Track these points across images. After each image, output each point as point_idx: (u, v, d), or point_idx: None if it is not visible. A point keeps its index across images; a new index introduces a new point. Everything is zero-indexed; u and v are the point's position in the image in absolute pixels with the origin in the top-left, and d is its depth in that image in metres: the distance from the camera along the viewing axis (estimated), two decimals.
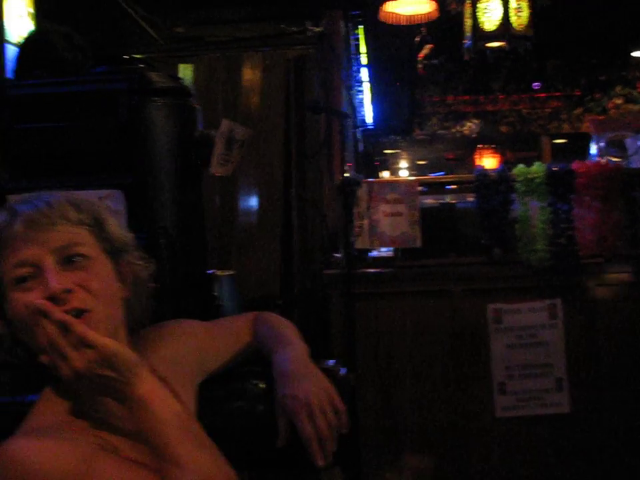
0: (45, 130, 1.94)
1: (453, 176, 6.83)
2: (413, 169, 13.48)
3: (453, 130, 8.95)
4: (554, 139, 9.06)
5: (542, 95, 8.80)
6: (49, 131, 1.93)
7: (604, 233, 3.95)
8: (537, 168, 3.97)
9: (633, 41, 8.12)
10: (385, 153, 10.82)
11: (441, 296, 4.03)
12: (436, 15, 4.74)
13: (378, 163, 10.22)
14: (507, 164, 7.35)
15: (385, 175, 11.85)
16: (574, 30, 7.57)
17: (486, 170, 4.07)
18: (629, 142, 4.60)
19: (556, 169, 3.96)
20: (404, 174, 13.52)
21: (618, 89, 8.61)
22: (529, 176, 3.94)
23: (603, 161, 4.15)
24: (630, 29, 7.67)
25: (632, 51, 8.24)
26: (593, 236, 3.96)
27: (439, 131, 8.91)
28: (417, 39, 5.87)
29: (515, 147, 9.72)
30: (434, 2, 4.61)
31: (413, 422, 3.99)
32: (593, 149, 5.09)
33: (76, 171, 1.89)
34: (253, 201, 5.10)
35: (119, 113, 1.88)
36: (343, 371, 1.64)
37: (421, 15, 4.79)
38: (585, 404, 3.95)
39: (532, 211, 3.96)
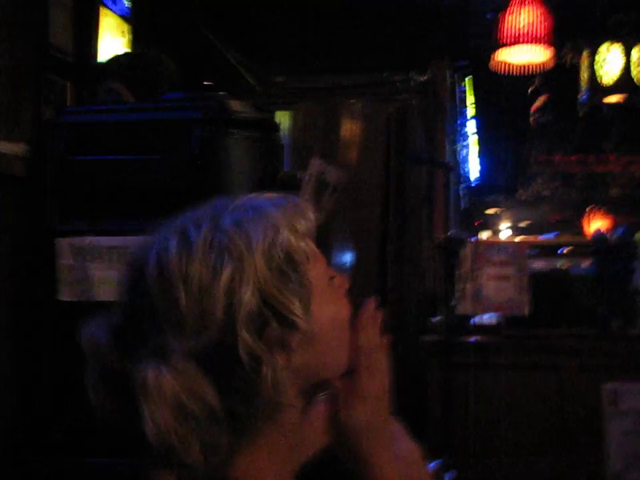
0: (103, 163, 1.67)
1: (568, 237, 6.38)
2: (515, 230, 12.95)
3: (560, 191, 8.47)
4: None
5: None
6: (108, 164, 1.66)
7: None
8: None
9: None
10: (486, 213, 10.38)
11: (550, 371, 3.61)
12: (551, 64, 4.39)
13: (478, 223, 9.79)
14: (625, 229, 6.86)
15: (485, 236, 11.37)
16: None
17: (605, 233, 3.67)
18: None
19: None
20: (505, 235, 13.00)
21: None
22: None
23: None
24: None
25: None
26: None
27: (544, 192, 8.44)
28: (530, 89, 5.52)
29: (626, 211, 9.16)
30: (550, 50, 4.26)
31: None
32: None
33: (138, 212, 1.59)
34: (347, 257, 4.79)
35: (191, 144, 1.60)
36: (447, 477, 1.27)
37: (535, 63, 4.44)
38: None
39: None
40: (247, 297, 0.97)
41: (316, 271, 1.08)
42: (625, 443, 3.53)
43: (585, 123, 7.75)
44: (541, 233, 9.68)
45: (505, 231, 12.66)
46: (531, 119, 5.84)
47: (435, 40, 5.16)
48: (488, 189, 7.99)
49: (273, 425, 1.05)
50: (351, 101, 5.30)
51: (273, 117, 1.85)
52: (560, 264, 4.11)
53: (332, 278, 1.12)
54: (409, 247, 4.46)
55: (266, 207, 1.08)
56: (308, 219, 1.08)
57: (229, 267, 0.99)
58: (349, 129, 5.13)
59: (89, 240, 1.55)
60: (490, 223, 11.47)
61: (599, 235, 3.64)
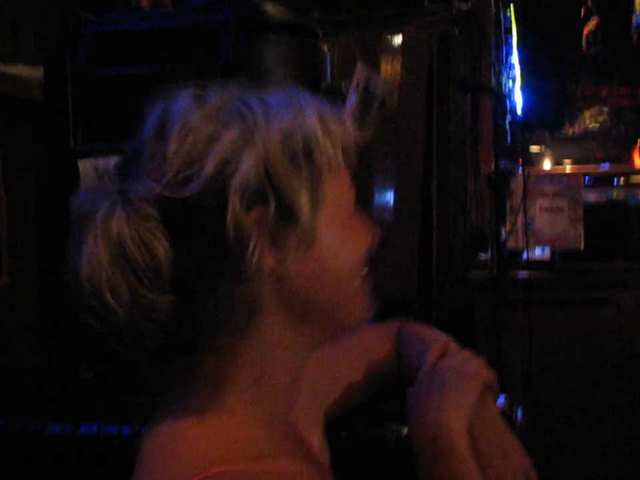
0: (127, 76, 1.52)
1: (625, 167, 6.14)
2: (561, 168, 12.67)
3: (608, 126, 8.19)
4: None
5: None
6: (132, 77, 1.51)
7: None
8: None
9: None
10: (529, 151, 10.14)
11: (608, 307, 3.44)
12: None
13: (528, 160, 9.56)
14: None
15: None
16: None
17: None
18: None
19: None
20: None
21: None
22: None
23: None
24: None
25: None
26: None
27: (591, 127, 8.17)
28: (583, 11, 5.25)
29: None
30: None
31: (570, 461, 3.41)
32: None
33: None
34: (389, 195, 4.62)
35: (223, 52, 1.44)
36: (519, 414, 1.13)
37: None
38: None
39: None
40: (248, 163, 0.85)
41: (335, 187, 0.94)
42: None
43: (636, 52, 7.45)
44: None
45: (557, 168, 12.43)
46: (583, 43, 5.56)
47: None
48: (532, 124, 7.75)
49: (242, 340, 0.91)
50: (390, 32, 5.09)
51: (312, 23, 1.67)
52: (615, 195, 3.91)
53: (351, 213, 0.98)
54: (454, 182, 4.26)
55: (300, 96, 0.96)
56: (344, 127, 0.95)
57: (236, 128, 0.86)
58: (389, 62, 4.92)
59: (115, 161, 1.41)
60: (534, 161, 11.24)
61: None
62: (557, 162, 11.63)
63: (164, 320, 0.85)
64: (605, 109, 8.25)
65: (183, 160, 0.84)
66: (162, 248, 0.83)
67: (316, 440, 1.05)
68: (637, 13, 4.78)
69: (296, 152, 0.88)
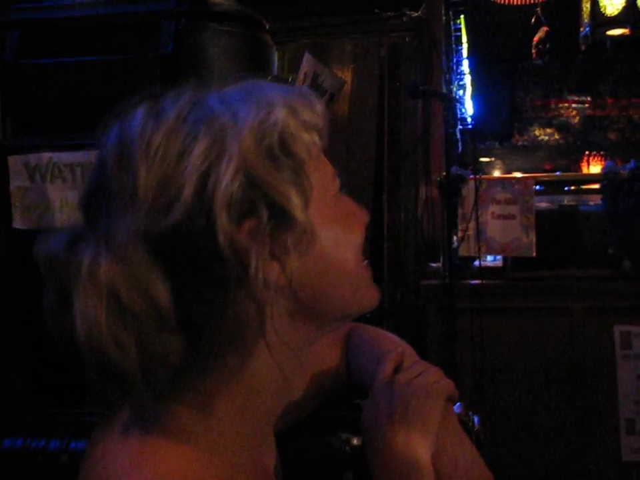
0: (59, 66, 1.42)
1: (575, 174, 6.18)
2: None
3: (557, 136, 8.26)
4: None
5: None
6: (64, 68, 1.41)
7: None
8: None
9: None
10: (479, 160, 10.21)
11: (559, 314, 3.42)
12: None
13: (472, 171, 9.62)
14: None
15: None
16: None
17: (616, 167, 3.45)
18: None
19: None
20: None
21: None
22: None
23: None
24: None
25: None
26: None
27: (540, 138, 8.23)
28: (533, 20, 5.26)
29: (624, 156, 8.98)
30: None
31: (521, 467, 3.38)
32: None
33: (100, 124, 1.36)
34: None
35: (161, 42, 1.35)
36: (476, 422, 1.07)
37: None
38: None
39: None
40: (227, 174, 0.76)
41: (319, 174, 0.88)
42: (638, 387, 3.36)
43: (584, 64, 7.53)
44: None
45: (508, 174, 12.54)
46: (533, 51, 5.58)
47: None
48: (482, 134, 7.77)
49: (247, 357, 0.83)
50: (341, 40, 5.06)
51: (257, 13, 1.59)
52: (567, 201, 3.89)
53: (339, 197, 0.92)
54: (405, 191, 4.25)
55: (263, 86, 0.88)
56: (315, 111, 0.89)
57: (205, 139, 0.78)
58: (340, 68, 4.89)
59: (47, 156, 1.32)
60: (484, 170, 11.31)
61: (610, 169, 3.43)
62: (506, 172, 11.73)
63: (177, 360, 0.77)
64: (554, 120, 8.32)
65: (157, 186, 0.76)
66: (160, 286, 0.75)
67: (271, 462, 0.97)
68: (585, 22, 4.78)
69: (273, 149, 0.81)
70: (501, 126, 7.99)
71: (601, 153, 8.11)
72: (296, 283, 0.84)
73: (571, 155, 8.53)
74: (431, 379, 1.04)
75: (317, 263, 0.86)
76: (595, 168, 8.18)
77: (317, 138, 0.88)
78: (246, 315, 0.80)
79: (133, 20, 1.42)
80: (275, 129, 0.82)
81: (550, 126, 8.24)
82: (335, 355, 1.17)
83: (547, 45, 5.48)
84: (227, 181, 0.76)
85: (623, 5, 4.66)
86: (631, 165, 3.43)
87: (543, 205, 3.73)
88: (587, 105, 8.20)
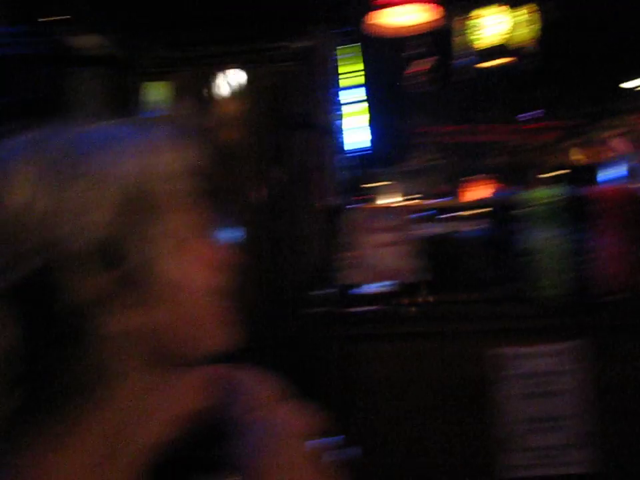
0: None
1: (455, 202, 6.35)
2: (405, 201, 12.99)
3: (444, 161, 8.50)
4: (549, 172, 8.62)
5: (537, 125, 8.38)
6: None
7: (626, 266, 3.47)
8: (552, 193, 3.48)
9: (630, 72, 7.77)
10: (371, 184, 10.37)
11: (441, 338, 3.52)
12: (439, 23, 4.25)
13: (362, 196, 9.76)
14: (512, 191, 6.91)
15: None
16: (571, 57, 7.19)
17: (491, 195, 3.59)
18: None
19: (572, 193, 3.47)
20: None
21: (613, 120, 8.21)
22: (542, 202, 3.46)
23: (623, 185, 3.68)
24: (629, 59, 7.33)
25: (627, 82, 7.89)
26: (614, 270, 3.47)
27: (426, 163, 8.45)
28: (412, 53, 5.41)
29: (508, 180, 9.29)
30: (437, 8, 4.10)
31: None
32: (606, 175, 4.61)
33: None
34: (224, 232, 4.58)
35: (28, 85, 1.36)
36: (354, 452, 1.10)
37: (419, 25, 4.30)
38: (610, 462, 3.42)
39: (543, 241, 3.48)
40: (76, 228, 0.76)
41: (180, 222, 0.88)
42: (516, 407, 3.48)
43: (465, 93, 7.77)
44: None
45: (390, 202, 12.73)
46: (414, 83, 5.74)
47: (318, 5, 4.99)
48: (374, 159, 7.92)
49: (98, 403, 0.83)
50: (228, 69, 5.09)
51: (128, 54, 1.59)
52: (446, 228, 4.01)
53: (205, 239, 0.94)
54: (290, 219, 4.30)
55: (116, 131, 0.87)
56: (177, 156, 0.88)
57: (49, 194, 0.77)
58: (227, 98, 4.92)
59: None
60: (376, 195, 11.50)
61: (488, 196, 3.56)
62: (396, 196, 11.96)
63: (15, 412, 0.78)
64: (441, 145, 8.55)
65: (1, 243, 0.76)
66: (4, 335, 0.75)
67: None
68: (465, 53, 4.96)
69: (126, 199, 0.80)
70: (392, 152, 8.16)
71: (484, 177, 8.39)
72: (148, 332, 0.84)
73: (456, 179, 8.79)
74: (291, 418, 1.05)
75: (163, 308, 0.85)
76: (479, 192, 8.46)
77: (177, 183, 0.87)
78: (96, 365, 0.80)
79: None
80: (132, 181, 0.81)
81: (438, 151, 8.47)
82: (194, 394, 1.18)
83: (434, 74, 5.64)
84: (74, 235, 0.76)
85: (501, 37, 4.85)
86: (508, 193, 3.58)
87: (423, 231, 3.84)
88: (471, 131, 8.46)
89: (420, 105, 7.65)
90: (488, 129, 8.44)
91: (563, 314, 3.47)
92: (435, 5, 4.06)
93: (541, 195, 3.52)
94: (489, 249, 3.54)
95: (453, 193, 8.79)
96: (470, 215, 3.67)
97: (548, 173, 8.54)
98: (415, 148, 8.31)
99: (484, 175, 8.39)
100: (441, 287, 3.64)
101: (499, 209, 3.53)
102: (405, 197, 12.11)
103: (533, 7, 4.68)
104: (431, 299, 3.58)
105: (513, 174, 8.95)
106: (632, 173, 4.50)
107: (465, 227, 3.80)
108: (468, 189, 8.54)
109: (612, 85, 8.11)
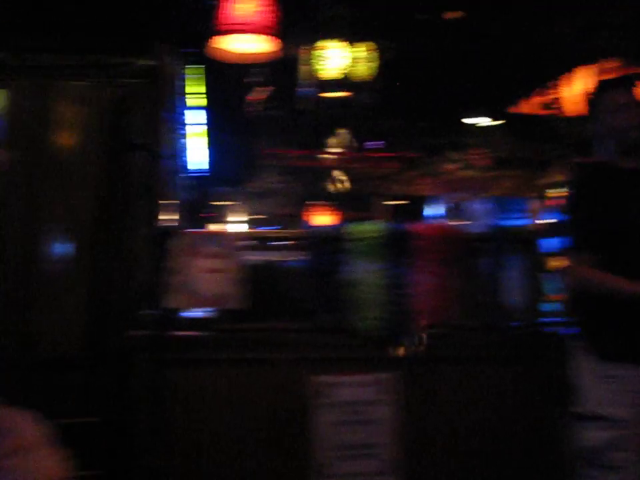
0: None
1: (281, 231, 6.43)
2: (249, 222, 13.02)
3: (288, 185, 8.58)
4: (388, 200, 8.88)
5: (378, 154, 8.61)
6: None
7: (442, 301, 3.63)
8: (374, 227, 3.61)
9: (469, 107, 8.13)
10: (216, 205, 10.36)
11: (262, 365, 3.56)
12: (277, 54, 4.32)
13: (207, 215, 9.73)
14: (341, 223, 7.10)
15: (217, 228, 11.35)
16: (411, 91, 7.46)
17: (317, 227, 3.68)
18: (470, 205, 4.36)
19: (394, 229, 3.61)
20: (239, 228, 13.06)
21: (452, 153, 8.55)
22: (364, 235, 3.57)
23: (444, 223, 3.84)
24: (467, 95, 7.67)
25: (465, 118, 8.25)
26: (431, 304, 3.62)
27: (273, 185, 8.51)
28: (253, 80, 5.48)
29: (348, 206, 9.49)
30: (274, 41, 4.19)
31: None
32: (432, 211, 4.81)
33: None
34: (59, 249, 4.49)
35: None
36: None
37: (258, 54, 4.36)
38: None
39: (366, 274, 3.60)
40: None
41: None
42: (332, 435, 3.57)
43: (310, 118, 7.91)
44: (269, 226, 9.76)
45: (236, 224, 12.77)
46: (253, 110, 5.81)
47: (163, 24, 4.98)
48: (217, 180, 7.93)
49: None
50: (70, 82, 4.99)
51: None
52: (276, 257, 4.07)
53: None
54: (122, 239, 4.26)
55: None
56: None
57: None
58: (64, 112, 4.82)
59: None
60: (222, 216, 11.49)
61: (311, 228, 3.65)
62: (238, 218, 12.02)
63: None
64: (285, 169, 8.63)
65: None
66: None
67: None
68: (306, 83, 5.07)
69: None
70: (235, 173, 8.19)
71: (327, 202, 8.56)
72: None
73: (299, 203, 8.92)
74: (48, 466, 1.05)
75: None
76: (320, 217, 8.62)
77: None
78: None
79: None
80: None
81: (281, 174, 8.55)
82: None
83: (276, 101, 5.73)
84: None
85: (341, 70, 4.98)
86: (332, 226, 3.68)
87: (249, 259, 3.88)
88: (316, 156, 8.60)
89: (264, 129, 7.74)
90: (331, 156, 8.59)
91: (380, 345, 3.58)
92: (274, 37, 4.13)
93: (366, 228, 3.63)
94: (313, 279, 3.61)
95: (295, 216, 8.95)
96: (297, 245, 3.72)
97: (385, 202, 8.84)
98: (258, 171, 8.36)
99: (326, 200, 8.57)
100: (264, 315, 3.68)
101: (324, 240, 3.61)
102: (246, 220, 12.20)
103: (372, 45, 4.84)
104: (253, 326, 3.62)
105: (353, 201, 9.18)
106: (452, 211, 4.70)
107: (291, 256, 3.87)
108: (310, 213, 8.69)
109: (453, 120, 8.47)
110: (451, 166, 8.53)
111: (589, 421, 2.69)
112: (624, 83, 3.41)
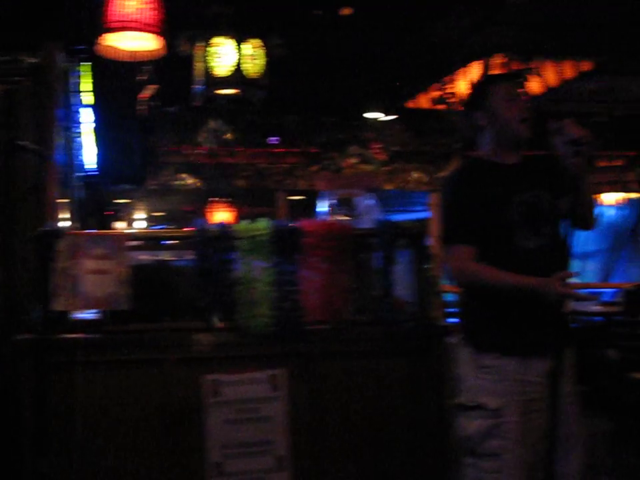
0: None
1: (171, 230, 6.40)
2: (151, 220, 12.96)
3: (189, 181, 8.55)
4: (290, 195, 8.94)
5: (279, 150, 8.65)
6: None
7: (331, 297, 3.67)
8: (261, 225, 3.62)
9: (367, 102, 8.22)
10: (118, 203, 10.25)
11: (152, 366, 3.54)
12: (162, 52, 4.28)
13: (110, 213, 9.60)
14: (243, 219, 7.10)
15: (120, 226, 11.26)
16: (310, 87, 7.52)
17: (206, 225, 3.67)
18: (357, 201, 4.41)
19: (281, 226, 3.62)
20: (140, 225, 13.00)
21: (353, 148, 8.65)
22: (251, 233, 3.58)
23: (332, 219, 3.88)
24: (364, 91, 7.76)
25: (365, 112, 8.32)
26: (320, 300, 3.66)
27: (173, 182, 8.47)
28: (141, 78, 5.42)
29: (251, 202, 9.53)
30: (160, 39, 4.15)
31: None
32: (323, 207, 4.85)
33: None
34: None
35: None
36: None
37: (145, 52, 4.31)
38: None
39: (254, 272, 3.61)
40: None
41: None
42: (226, 433, 3.57)
43: (210, 116, 7.89)
44: (176, 223, 9.71)
45: (139, 221, 12.70)
46: (142, 108, 5.75)
47: (53, 21, 4.88)
48: (115, 178, 7.82)
49: None
50: None
51: None
52: (166, 256, 4.05)
53: None
54: (7, 241, 4.17)
55: None
56: None
57: None
58: None
59: None
60: (124, 213, 11.37)
61: (199, 226, 3.63)
62: (144, 214, 11.93)
63: None
64: (187, 165, 8.59)
65: None
66: None
67: None
68: (198, 80, 5.04)
69: None
70: (134, 171, 8.09)
71: (228, 199, 8.56)
72: None
73: (202, 199, 8.89)
74: None
75: None
76: (221, 214, 8.61)
77: None
78: None
79: None
80: None
81: (183, 171, 8.51)
82: None
83: (165, 100, 5.69)
84: None
85: (232, 68, 4.97)
86: (220, 224, 3.67)
87: (142, 258, 3.86)
88: (217, 153, 8.58)
89: (162, 127, 7.69)
90: (234, 151, 8.59)
91: (271, 342, 3.60)
92: (159, 35, 4.09)
93: (254, 226, 3.65)
94: (203, 278, 3.60)
95: (197, 213, 8.91)
96: (187, 244, 3.70)
97: (288, 197, 8.89)
98: (158, 168, 8.29)
99: (227, 196, 8.56)
100: (154, 315, 3.67)
101: (214, 238, 3.60)
102: (146, 217, 12.11)
103: (260, 42, 4.85)
104: (142, 326, 3.60)
105: (256, 197, 9.21)
106: (336, 207, 4.75)
107: (182, 256, 3.86)
108: (212, 210, 8.67)
109: (353, 115, 8.56)
110: (351, 160, 8.64)
111: (467, 410, 2.75)
112: (515, 76, 3.48)
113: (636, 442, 5.49)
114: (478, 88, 3.09)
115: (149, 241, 3.89)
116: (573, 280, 2.67)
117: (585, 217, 2.92)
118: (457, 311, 3.16)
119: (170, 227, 10.48)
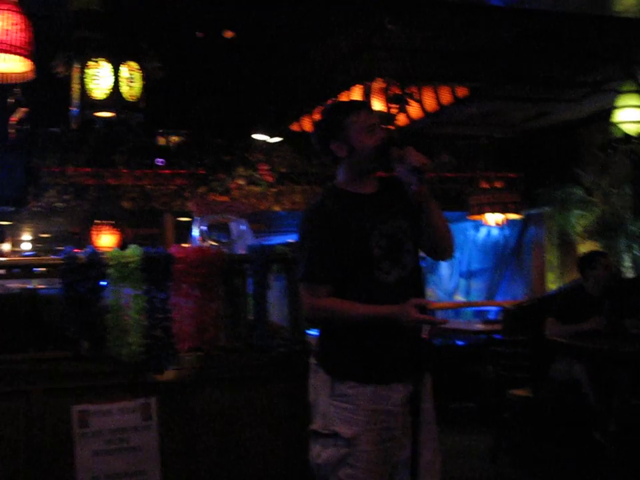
0: None
1: (39, 258, 6.25)
2: (37, 242, 12.64)
3: (73, 203, 8.34)
4: (177, 217, 8.84)
5: (166, 171, 8.56)
6: None
7: (204, 323, 3.65)
8: (131, 252, 3.58)
9: (253, 125, 8.22)
10: (1, 225, 9.96)
11: (16, 398, 3.44)
12: (31, 75, 4.18)
13: None
14: (126, 242, 6.99)
15: (5, 247, 10.95)
16: (197, 108, 7.48)
17: (74, 252, 3.59)
18: (232, 226, 4.39)
19: (152, 253, 3.59)
20: (26, 247, 12.67)
21: (240, 170, 8.63)
22: (122, 260, 3.54)
23: (204, 245, 3.86)
24: (251, 112, 7.76)
25: (253, 134, 8.31)
26: (192, 327, 3.64)
27: (57, 204, 8.25)
28: (10, 100, 5.29)
29: (138, 224, 9.38)
30: (28, 61, 4.05)
31: None
32: (195, 232, 4.82)
33: None
34: None
35: None
36: None
37: (13, 73, 4.21)
38: None
39: (125, 300, 3.56)
40: None
41: None
42: (96, 464, 3.50)
43: (94, 137, 7.75)
44: (65, 245, 9.45)
45: (24, 243, 12.34)
46: (10, 130, 5.61)
47: None
48: None
49: None
50: None
51: None
52: (37, 284, 3.95)
53: None
54: None
55: None
56: None
57: None
58: None
59: None
60: (9, 235, 11.04)
61: (67, 254, 3.56)
62: (28, 237, 11.61)
63: None
64: (71, 187, 8.40)
65: None
66: None
67: None
68: (75, 103, 4.94)
69: None
70: (15, 191, 7.90)
71: (113, 221, 8.42)
72: None
73: (86, 222, 8.70)
74: None
75: None
76: (106, 236, 8.46)
77: None
78: None
79: None
80: None
81: (66, 192, 8.30)
82: None
83: (27, 125, 5.55)
84: None
85: (109, 90, 4.90)
86: (89, 251, 3.60)
87: (10, 286, 3.76)
88: (103, 174, 8.42)
89: (45, 148, 7.51)
90: (120, 173, 8.45)
91: (143, 370, 3.56)
92: (26, 57, 3.99)
93: (125, 253, 3.60)
94: (72, 306, 3.53)
95: (83, 235, 8.73)
96: (55, 272, 3.61)
97: (177, 218, 8.80)
98: (41, 190, 8.08)
99: (112, 218, 8.42)
100: (21, 345, 3.57)
101: (84, 266, 3.54)
102: (43, 238, 11.80)
103: (136, 65, 4.79)
104: (7, 357, 3.49)
105: (143, 218, 9.08)
106: (205, 233, 4.73)
107: (52, 284, 3.77)
108: (98, 231, 8.51)
109: (241, 137, 8.55)
110: (239, 182, 8.62)
111: (321, 437, 2.73)
112: (366, 105, 3.49)
113: (513, 455, 5.67)
114: (331, 118, 2.97)
115: (18, 269, 3.76)
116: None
117: (437, 246, 2.88)
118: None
119: (54, 249, 10.25)
